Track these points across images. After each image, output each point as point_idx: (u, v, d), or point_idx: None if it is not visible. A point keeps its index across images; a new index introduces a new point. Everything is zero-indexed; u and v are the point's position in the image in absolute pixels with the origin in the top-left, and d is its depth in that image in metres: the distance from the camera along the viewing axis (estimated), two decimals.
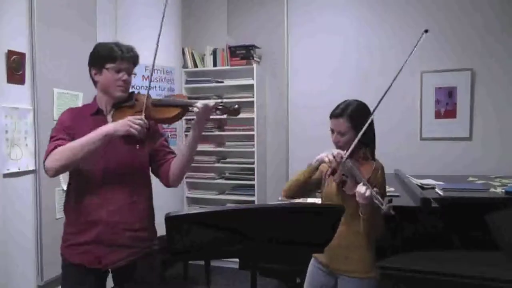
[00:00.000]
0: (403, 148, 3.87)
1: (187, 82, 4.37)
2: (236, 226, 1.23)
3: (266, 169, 4.34)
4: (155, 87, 3.72)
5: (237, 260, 2.91)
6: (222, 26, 4.45)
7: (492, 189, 2.75)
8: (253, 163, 4.12)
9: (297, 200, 2.43)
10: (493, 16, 3.66)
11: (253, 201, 4.12)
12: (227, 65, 4.21)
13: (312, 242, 1.38)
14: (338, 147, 1.87)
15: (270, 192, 4.35)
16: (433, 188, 2.81)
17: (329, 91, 4.09)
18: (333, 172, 1.81)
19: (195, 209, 4.22)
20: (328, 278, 1.93)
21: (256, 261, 1.37)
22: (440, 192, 2.65)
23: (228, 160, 4.30)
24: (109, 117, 1.78)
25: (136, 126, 1.63)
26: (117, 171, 1.73)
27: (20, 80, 2.55)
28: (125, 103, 1.79)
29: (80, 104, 2.97)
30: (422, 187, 2.83)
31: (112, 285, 1.83)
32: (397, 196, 2.62)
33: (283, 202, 2.47)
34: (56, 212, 2.78)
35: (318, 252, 1.85)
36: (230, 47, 4.20)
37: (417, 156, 3.85)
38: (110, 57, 1.73)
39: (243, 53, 4.14)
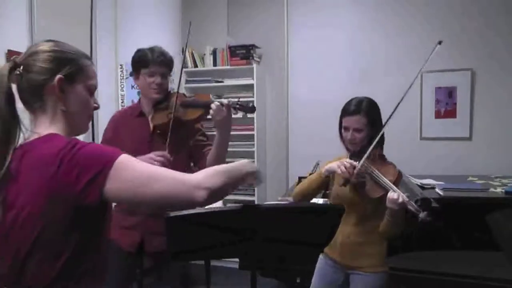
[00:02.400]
0: (403, 148, 3.86)
1: (187, 82, 4.37)
2: (236, 226, 1.23)
3: (266, 169, 4.34)
4: None
5: (237, 260, 2.90)
6: (222, 26, 4.45)
7: (492, 189, 2.75)
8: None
9: None
10: (493, 16, 3.66)
11: (253, 201, 4.12)
12: (227, 65, 4.21)
13: (312, 242, 1.38)
14: (353, 145, 1.85)
15: (270, 192, 4.34)
16: (433, 188, 2.81)
17: (329, 91, 4.09)
18: (346, 183, 1.76)
19: (195, 209, 4.22)
20: (339, 274, 1.92)
21: (256, 261, 1.37)
22: (440, 192, 2.65)
23: (228, 160, 4.26)
24: (150, 118, 1.94)
25: (156, 163, 1.67)
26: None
27: None
28: (160, 104, 1.92)
29: None
30: (422, 187, 2.83)
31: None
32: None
33: (283, 202, 2.47)
34: None
35: (318, 252, 1.85)
36: (230, 47, 4.20)
37: (417, 156, 3.85)
38: (143, 63, 1.88)
39: (243, 53, 4.14)
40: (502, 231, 2.37)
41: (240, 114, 1.95)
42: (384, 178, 1.68)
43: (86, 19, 3.07)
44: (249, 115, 4.05)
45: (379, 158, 1.81)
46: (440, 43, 1.80)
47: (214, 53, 4.27)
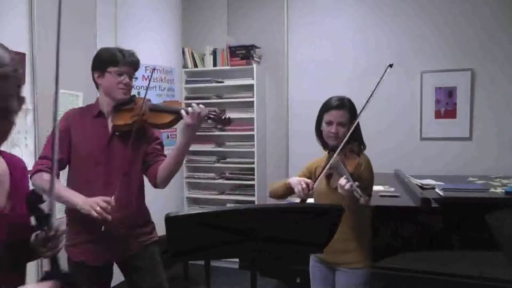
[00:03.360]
0: (403, 148, 3.87)
1: (187, 82, 4.37)
2: (236, 226, 1.23)
3: (266, 169, 4.34)
4: (155, 87, 3.72)
5: (237, 260, 2.90)
6: (222, 26, 4.45)
7: (492, 189, 2.75)
8: (253, 163, 4.12)
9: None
10: (493, 16, 3.66)
11: (253, 201, 4.11)
12: (227, 65, 4.21)
13: (312, 242, 1.39)
14: (335, 139, 1.92)
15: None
16: (433, 188, 2.81)
17: (329, 91, 4.05)
18: (303, 200, 1.91)
19: (195, 209, 4.23)
20: (326, 272, 2.00)
21: (256, 261, 1.38)
22: (440, 192, 2.65)
23: (228, 160, 4.30)
24: (109, 120, 1.86)
25: (99, 209, 1.65)
26: (115, 174, 1.79)
27: None
28: (124, 105, 1.85)
29: (80, 104, 2.98)
30: (422, 187, 2.83)
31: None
32: (397, 196, 2.62)
33: (283, 202, 2.47)
34: (56, 212, 2.78)
35: (318, 252, 1.86)
36: (230, 47, 4.20)
37: (417, 156, 3.85)
38: (112, 61, 1.81)
39: (243, 53, 4.14)
40: (502, 231, 2.37)
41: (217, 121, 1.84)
42: (345, 169, 1.76)
43: (86, 19, 3.07)
44: (249, 115, 4.07)
45: (351, 152, 1.88)
46: (391, 66, 1.92)
47: (214, 53, 4.27)
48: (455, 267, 2.30)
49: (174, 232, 1.21)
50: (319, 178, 1.94)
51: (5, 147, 2.59)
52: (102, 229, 1.74)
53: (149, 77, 1.95)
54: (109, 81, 1.83)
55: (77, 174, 1.85)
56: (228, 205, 4.18)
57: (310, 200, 2.62)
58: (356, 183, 1.66)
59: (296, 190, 1.89)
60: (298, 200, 1.96)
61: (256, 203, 4.05)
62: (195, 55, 4.34)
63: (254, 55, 4.15)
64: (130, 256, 1.88)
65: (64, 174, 2.80)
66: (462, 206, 2.49)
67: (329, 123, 1.93)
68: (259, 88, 4.17)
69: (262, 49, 4.27)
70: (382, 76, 1.87)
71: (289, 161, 4.31)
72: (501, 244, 2.35)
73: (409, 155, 3.85)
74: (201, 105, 1.76)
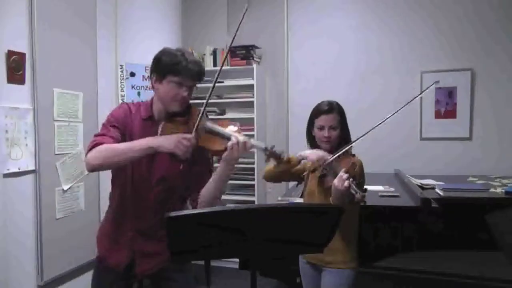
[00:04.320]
0: (403, 148, 3.87)
1: None
2: (236, 226, 1.23)
3: None
4: None
5: (237, 260, 2.90)
6: (222, 26, 4.45)
7: (492, 189, 2.75)
8: (253, 163, 4.12)
9: (298, 200, 2.42)
10: (493, 16, 3.66)
11: (253, 201, 4.12)
12: (227, 65, 4.21)
13: (312, 242, 1.38)
14: (328, 142, 1.95)
15: (270, 192, 4.34)
16: (433, 188, 2.81)
17: (329, 91, 4.09)
18: (315, 170, 1.94)
19: (195, 209, 4.22)
20: (313, 271, 2.03)
21: (256, 261, 1.37)
22: (440, 192, 2.65)
23: None
24: (160, 126, 1.69)
25: (182, 148, 1.51)
26: (159, 181, 1.69)
27: (20, 80, 2.55)
28: (179, 116, 1.68)
29: (80, 104, 2.98)
30: (422, 187, 2.83)
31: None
32: (397, 196, 2.62)
33: (283, 202, 2.47)
34: (56, 212, 2.78)
35: (318, 252, 1.86)
36: (230, 47, 4.20)
37: (417, 156, 3.85)
38: (173, 70, 1.61)
39: (243, 53, 4.14)
40: (502, 231, 2.37)
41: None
42: (338, 168, 1.78)
43: (87, 19, 3.07)
44: (249, 115, 4.07)
45: (343, 154, 1.91)
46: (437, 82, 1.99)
47: (214, 53, 4.27)
48: (455, 267, 2.30)
49: (174, 232, 1.21)
50: (309, 178, 2.00)
51: (5, 147, 2.60)
52: (181, 167, 1.64)
53: (209, 93, 1.64)
54: (166, 90, 1.63)
55: (121, 172, 1.71)
56: (228, 205, 4.18)
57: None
58: (354, 182, 1.68)
59: (309, 158, 1.90)
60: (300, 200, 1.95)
61: (256, 203, 4.05)
62: (195, 55, 4.34)
63: (254, 55, 4.15)
64: (163, 268, 1.73)
65: (65, 174, 2.80)
66: (462, 206, 2.49)
67: (321, 128, 1.97)
68: (259, 88, 4.17)
69: (262, 49, 4.27)
70: (424, 90, 1.97)
71: None
72: (501, 244, 2.35)
73: (409, 155, 3.85)
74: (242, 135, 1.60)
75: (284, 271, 2.77)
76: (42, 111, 2.68)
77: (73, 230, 2.90)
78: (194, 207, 1.74)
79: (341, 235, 1.91)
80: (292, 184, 3.98)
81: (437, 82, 1.86)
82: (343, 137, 1.97)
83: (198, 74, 1.66)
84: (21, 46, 2.56)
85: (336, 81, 4.08)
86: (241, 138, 1.57)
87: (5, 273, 2.45)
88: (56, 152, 2.79)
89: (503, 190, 2.66)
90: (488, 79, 3.70)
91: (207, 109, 1.68)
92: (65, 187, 2.85)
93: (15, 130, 2.51)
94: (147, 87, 3.47)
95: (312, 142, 2.06)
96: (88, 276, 3.08)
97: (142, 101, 1.84)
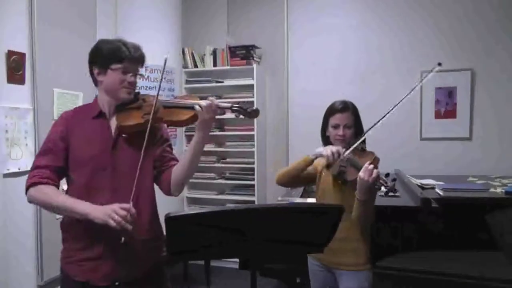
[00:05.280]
0: (403, 148, 3.87)
1: (187, 82, 4.37)
2: (236, 226, 1.23)
3: (266, 169, 4.34)
4: (155, 87, 3.72)
5: (237, 260, 2.90)
6: (222, 26, 4.45)
7: (492, 189, 2.75)
8: (253, 163, 4.12)
9: (298, 200, 2.43)
10: (493, 16, 3.66)
11: (253, 201, 4.12)
12: (227, 65, 4.22)
13: (312, 242, 1.38)
14: (343, 141, 1.93)
15: (270, 192, 4.34)
16: (433, 188, 2.81)
17: (329, 91, 4.09)
18: (329, 166, 1.91)
19: (195, 209, 4.23)
20: (326, 273, 1.99)
21: (256, 261, 1.37)
22: (440, 192, 2.65)
23: (228, 160, 4.29)
24: (112, 120, 1.65)
25: (117, 218, 1.42)
26: (122, 180, 1.58)
27: (20, 80, 2.55)
28: (130, 104, 1.65)
29: (80, 104, 2.97)
30: (422, 187, 2.83)
31: None
32: (397, 196, 2.62)
33: (283, 202, 2.47)
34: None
35: (318, 252, 1.85)
36: (230, 47, 4.20)
37: (417, 156, 3.85)
38: (116, 57, 1.59)
39: (243, 53, 4.14)
40: (502, 231, 2.37)
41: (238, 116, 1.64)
42: (359, 161, 1.78)
43: (87, 19, 3.07)
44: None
45: (360, 151, 1.91)
46: (440, 64, 1.91)
47: (214, 53, 4.27)
48: (455, 267, 2.29)
49: (174, 232, 1.21)
50: (322, 176, 1.99)
51: (5, 147, 2.59)
52: (122, 240, 1.47)
53: (162, 71, 1.65)
54: (112, 79, 1.60)
55: (79, 182, 1.61)
56: (228, 205, 4.18)
57: (311, 200, 2.62)
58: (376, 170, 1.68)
59: (325, 152, 1.86)
60: (299, 199, 1.94)
61: (256, 203, 4.05)
62: (195, 55, 4.34)
63: (254, 55, 4.15)
64: (139, 277, 1.62)
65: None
66: (462, 206, 2.49)
67: (336, 126, 1.96)
68: (259, 88, 4.17)
69: (262, 49, 4.27)
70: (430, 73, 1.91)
71: (289, 161, 4.31)
72: (501, 244, 2.35)
73: (409, 155, 3.85)
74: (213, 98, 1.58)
75: (284, 271, 2.77)
76: (42, 111, 2.68)
77: None
78: (166, 188, 1.68)
79: (356, 235, 1.89)
80: None
81: (440, 64, 1.83)
82: (357, 136, 1.95)
83: (140, 58, 1.66)
84: (21, 46, 2.56)
85: (336, 81, 4.08)
86: (203, 102, 1.54)
87: (5, 273, 2.45)
88: None
89: (503, 190, 2.66)
90: (488, 79, 3.70)
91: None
92: (65, 187, 2.85)
93: (15, 130, 2.51)
94: (147, 87, 3.48)
95: (327, 142, 2.03)
96: None
97: (79, 106, 1.81)
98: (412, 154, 3.86)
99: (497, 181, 3.12)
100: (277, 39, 4.27)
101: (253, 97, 4.09)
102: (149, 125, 1.54)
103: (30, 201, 1.60)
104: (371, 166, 1.68)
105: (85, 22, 3.05)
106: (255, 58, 4.17)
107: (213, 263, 4.03)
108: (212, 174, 4.31)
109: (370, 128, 1.88)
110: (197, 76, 4.39)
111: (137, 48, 1.65)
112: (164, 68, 1.64)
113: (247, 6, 4.36)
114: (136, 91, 1.70)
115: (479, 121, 3.73)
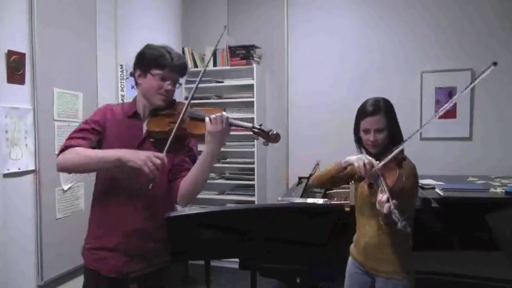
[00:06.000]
0: (403, 148, 3.86)
1: (187, 82, 4.36)
2: (236, 226, 1.23)
3: (266, 169, 4.34)
4: None
5: (237, 260, 2.90)
6: (222, 26, 4.44)
7: (492, 189, 2.75)
8: (253, 163, 4.12)
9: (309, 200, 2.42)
10: (493, 16, 3.66)
11: (253, 201, 4.11)
12: (227, 65, 4.22)
13: (312, 242, 1.39)
14: (374, 146, 1.81)
15: (270, 192, 4.34)
16: (433, 188, 2.81)
17: (329, 91, 4.10)
18: (359, 180, 1.79)
19: (195, 209, 4.23)
20: (366, 277, 1.88)
21: (256, 261, 1.38)
22: (440, 192, 2.65)
23: (228, 160, 4.30)
24: (145, 123, 1.70)
25: (151, 166, 1.48)
26: (141, 182, 1.61)
27: (20, 80, 2.55)
28: (163, 110, 1.69)
29: (80, 104, 2.98)
30: (422, 187, 2.83)
31: None
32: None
33: (283, 202, 2.47)
34: (56, 212, 2.78)
35: (318, 252, 1.85)
36: (230, 47, 4.20)
37: (417, 156, 3.81)
38: (157, 63, 1.63)
39: (243, 53, 4.14)
40: (502, 231, 2.37)
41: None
42: (384, 182, 1.65)
43: (86, 19, 3.07)
44: (249, 115, 4.07)
45: (393, 161, 1.75)
46: (495, 64, 1.75)
47: (214, 53, 4.27)
48: (455, 267, 2.30)
49: (174, 232, 1.21)
50: (383, 162, 1.74)
51: (5, 147, 2.60)
52: (150, 187, 1.52)
53: (198, 81, 1.66)
54: (149, 84, 1.65)
55: (105, 174, 1.68)
56: (228, 205, 4.18)
57: (311, 200, 2.61)
58: (395, 201, 1.53)
59: (356, 164, 1.72)
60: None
61: (256, 203, 4.05)
62: (195, 55, 4.34)
63: (254, 55, 4.15)
64: (149, 273, 1.66)
65: (65, 175, 2.80)
66: (462, 206, 2.49)
67: (366, 131, 1.81)
68: (259, 88, 4.17)
69: (262, 49, 4.28)
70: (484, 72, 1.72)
71: (289, 161, 4.31)
72: (501, 244, 2.35)
73: (409, 155, 3.82)
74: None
75: (284, 271, 2.77)
76: (42, 111, 2.68)
77: (73, 230, 2.89)
78: (174, 197, 1.68)
79: (393, 243, 1.78)
80: (292, 184, 3.98)
81: (495, 63, 1.72)
82: (393, 139, 1.81)
83: (182, 68, 1.70)
84: (21, 46, 2.56)
85: (336, 81, 4.09)
86: (213, 115, 1.56)
87: (5, 273, 2.45)
88: (56, 152, 2.78)
89: (503, 190, 2.66)
90: (488, 79, 3.65)
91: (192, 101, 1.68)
92: (65, 187, 2.85)
93: (15, 130, 2.51)
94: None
95: (360, 145, 1.90)
96: None
97: (124, 102, 1.84)
98: (412, 154, 3.83)
99: (497, 181, 3.13)
100: (277, 39, 4.27)
101: (253, 97, 4.09)
102: (172, 134, 1.56)
103: (60, 169, 1.63)
104: (385, 196, 1.55)
105: (85, 22, 3.05)
106: (255, 58, 4.17)
107: (213, 263, 4.02)
108: (212, 174, 4.31)
109: (410, 137, 1.75)
110: (197, 76, 4.35)
111: (180, 58, 1.70)
112: (198, 82, 1.66)
113: (247, 6, 4.36)
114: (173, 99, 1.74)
115: (479, 121, 3.73)
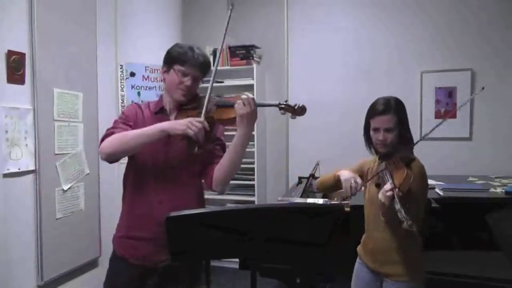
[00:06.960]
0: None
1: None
2: (236, 226, 1.23)
3: (266, 169, 4.34)
4: (155, 87, 3.72)
5: (237, 260, 2.90)
6: (222, 26, 4.42)
7: (492, 189, 2.75)
8: (253, 163, 4.12)
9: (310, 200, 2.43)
10: (493, 16, 3.66)
11: (253, 201, 4.11)
12: (227, 65, 4.21)
13: (312, 242, 1.38)
14: (383, 146, 1.80)
15: (270, 192, 4.34)
16: (433, 188, 2.81)
17: (329, 91, 4.10)
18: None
19: (195, 209, 4.23)
20: (373, 279, 1.88)
21: (256, 261, 1.38)
22: (440, 192, 2.65)
23: None
24: (172, 117, 1.78)
25: (194, 128, 1.57)
26: (173, 169, 1.72)
27: (20, 80, 2.55)
28: (188, 105, 1.77)
29: (80, 104, 2.98)
30: None
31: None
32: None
33: (283, 202, 2.47)
34: (56, 212, 2.78)
35: (318, 252, 1.85)
36: (230, 47, 4.20)
37: (417, 156, 3.83)
38: (180, 59, 1.73)
39: (243, 53, 4.14)
40: (502, 231, 2.37)
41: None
42: (391, 180, 1.65)
43: (86, 19, 3.07)
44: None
45: (401, 160, 1.75)
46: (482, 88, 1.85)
47: (214, 53, 4.27)
48: (455, 267, 2.30)
49: (174, 232, 1.21)
50: (368, 184, 1.83)
51: (5, 147, 2.59)
52: (196, 150, 1.62)
53: (214, 72, 1.80)
54: (172, 79, 1.74)
55: (135, 165, 1.76)
56: (228, 205, 4.18)
57: (311, 200, 2.62)
58: (398, 191, 1.54)
59: (343, 185, 1.79)
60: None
61: (256, 203, 4.05)
62: None
63: (254, 55, 4.15)
64: (174, 264, 1.68)
65: (65, 174, 2.80)
66: (462, 206, 2.49)
67: (376, 129, 1.80)
68: (259, 88, 4.17)
69: (262, 49, 4.27)
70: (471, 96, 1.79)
71: (289, 161, 4.31)
72: (501, 244, 2.36)
73: None
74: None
75: (284, 271, 2.77)
76: (42, 111, 2.68)
77: (73, 230, 2.89)
78: (209, 183, 1.79)
79: (402, 245, 1.77)
80: (292, 184, 3.98)
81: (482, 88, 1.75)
82: (403, 139, 1.81)
83: (203, 65, 1.77)
84: (21, 46, 2.56)
85: (336, 81, 4.08)
86: (243, 96, 1.64)
87: (5, 273, 2.45)
88: (56, 152, 2.78)
89: (503, 190, 2.66)
90: (488, 79, 3.70)
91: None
92: (65, 187, 2.85)
93: (15, 130, 2.51)
94: (147, 87, 3.47)
95: (369, 144, 1.90)
96: (88, 276, 3.08)
97: (149, 101, 1.92)
98: None
99: (497, 181, 3.13)
100: (277, 39, 4.27)
101: (253, 97, 4.08)
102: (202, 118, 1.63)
103: (105, 153, 1.66)
104: (389, 186, 1.56)
105: (85, 22, 3.05)
106: (255, 58, 4.17)
107: (213, 263, 4.03)
108: None
109: (421, 140, 1.78)
110: None
111: (202, 55, 1.78)
112: (214, 75, 1.77)
113: (247, 6, 4.36)
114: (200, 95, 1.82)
115: (479, 121, 3.73)
